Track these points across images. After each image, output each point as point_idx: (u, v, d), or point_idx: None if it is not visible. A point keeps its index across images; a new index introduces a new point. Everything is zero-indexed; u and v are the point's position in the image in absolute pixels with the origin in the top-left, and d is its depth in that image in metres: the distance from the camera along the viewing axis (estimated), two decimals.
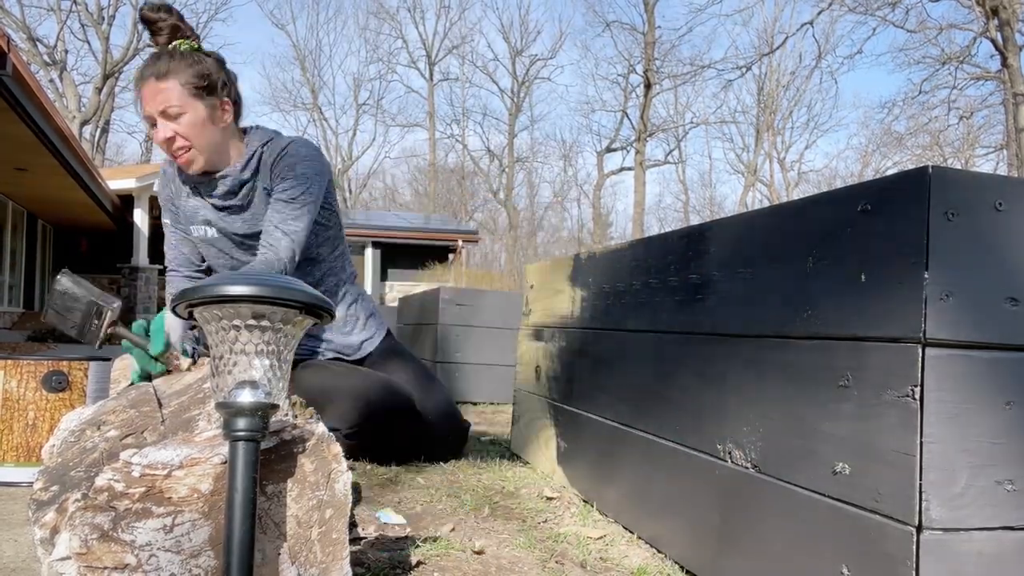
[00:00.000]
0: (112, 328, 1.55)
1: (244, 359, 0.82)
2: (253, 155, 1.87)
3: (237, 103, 1.86)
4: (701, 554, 1.14)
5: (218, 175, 1.86)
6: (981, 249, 0.82)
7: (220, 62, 1.83)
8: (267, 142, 1.89)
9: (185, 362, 1.54)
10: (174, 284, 2.03)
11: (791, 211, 1.04)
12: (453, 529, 1.38)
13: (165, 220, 2.00)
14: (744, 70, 24.98)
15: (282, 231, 1.81)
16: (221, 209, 1.91)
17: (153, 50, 1.79)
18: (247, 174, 1.87)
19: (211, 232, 1.93)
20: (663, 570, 1.20)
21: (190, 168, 1.82)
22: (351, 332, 2.09)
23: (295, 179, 1.84)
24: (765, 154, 28.20)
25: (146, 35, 1.98)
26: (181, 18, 1.80)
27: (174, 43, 1.77)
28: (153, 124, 1.75)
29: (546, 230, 31.82)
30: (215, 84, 1.78)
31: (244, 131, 1.92)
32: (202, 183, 1.88)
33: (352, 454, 1.83)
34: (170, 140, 1.75)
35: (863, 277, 0.88)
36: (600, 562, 1.23)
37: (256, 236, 1.90)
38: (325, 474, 0.94)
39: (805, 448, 0.94)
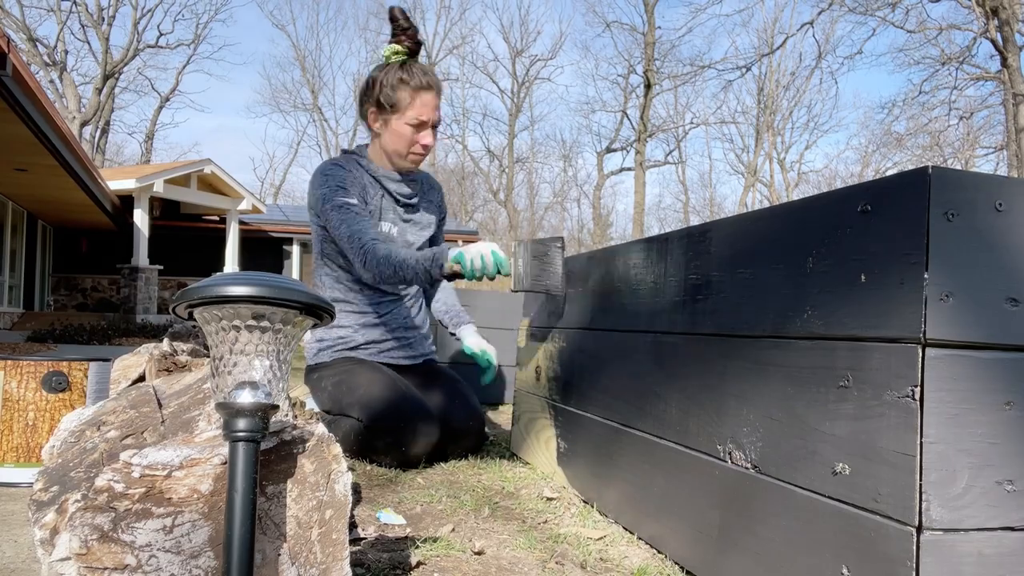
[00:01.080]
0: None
1: (244, 360, 0.82)
2: (424, 180, 2.29)
3: None
4: (701, 554, 1.14)
5: (403, 177, 2.18)
6: (981, 249, 0.82)
7: None
8: (426, 174, 2.33)
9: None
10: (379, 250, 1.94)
11: (791, 211, 1.04)
12: (453, 529, 1.38)
13: (346, 199, 2.01)
14: (744, 70, 24.99)
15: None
16: (403, 205, 2.19)
17: (391, 52, 2.05)
18: (418, 191, 2.22)
19: (394, 231, 2.16)
20: (663, 570, 1.20)
21: (415, 166, 2.16)
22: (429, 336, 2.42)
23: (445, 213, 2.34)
24: (765, 155, 28.21)
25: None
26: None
27: (427, 61, 2.06)
28: (418, 126, 2.06)
29: (546, 230, 31.82)
30: None
31: None
32: (393, 180, 2.15)
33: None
34: (427, 147, 2.11)
35: (863, 277, 0.88)
36: (600, 562, 1.23)
37: (415, 245, 2.21)
38: (325, 475, 0.94)
39: (805, 448, 0.94)
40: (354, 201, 2.01)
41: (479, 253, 1.72)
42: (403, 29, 2.04)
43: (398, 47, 2.04)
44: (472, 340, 2.28)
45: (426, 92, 2.04)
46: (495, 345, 2.33)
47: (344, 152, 2.19)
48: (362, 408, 1.90)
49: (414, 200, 2.21)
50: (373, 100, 2.07)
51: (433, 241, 2.31)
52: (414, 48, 2.06)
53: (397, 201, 2.17)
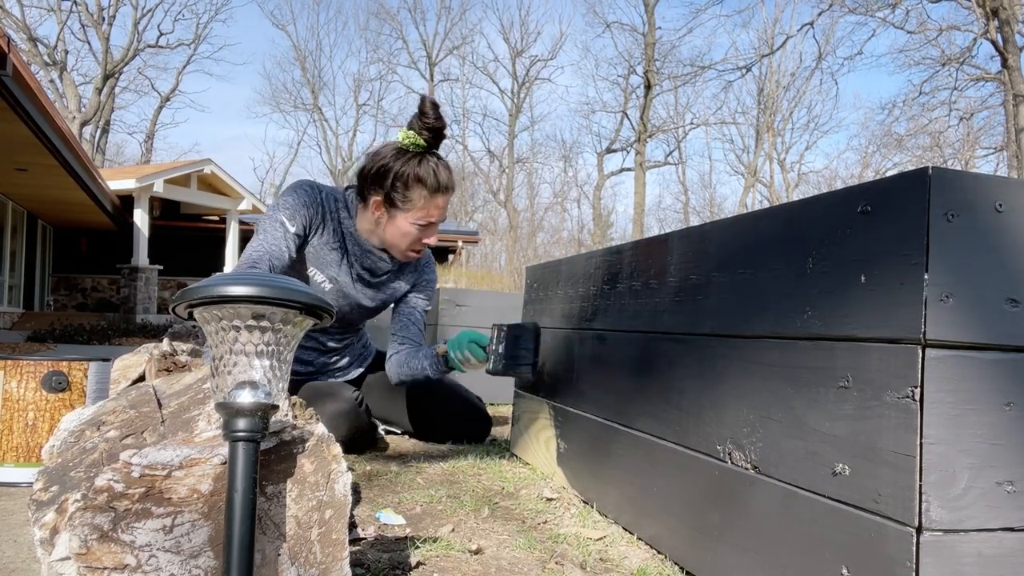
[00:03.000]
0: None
1: (244, 359, 0.82)
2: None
3: None
4: (701, 554, 1.14)
5: (390, 258, 2.07)
6: (981, 250, 0.82)
7: None
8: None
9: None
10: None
11: (791, 212, 1.04)
12: (453, 530, 1.38)
13: (287, 223, 1.89)
14: (744, 71, 24.98)
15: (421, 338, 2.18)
16: (360, 279, 2.08)
17: (415, 141, 1.88)
18: (396, 267, 2.11)
19: (328, 286, 2.03)
20: (663, 571, 1.20)
21: (406, 259, 2.05)
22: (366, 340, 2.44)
23: (433, 291, 2.24)
24: (765, 155, 28.20)
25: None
26: None
27: (442, 158, 1.93)
28: (426, 225, 1.94)
29: (546, 231, 31.81)
30: None
31: None
32: (368, 254, 2.04)
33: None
34: (430, 247, 2.03)
35: (863, 278, 0.88)
36: (600, 563, 1.23)
37: (371, 313, 2.18)
38: (325, 475, 0.94)
39: (805, 449, 0.94)
40: (293, 229, 1.88)
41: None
42: (430, 127, 1.86)
43: (419, 139, 1.87)
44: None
45: (442, 196, 1.90)
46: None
47: (330, 193, 2.00)
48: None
49: (379, 279, 2.11)
50: (382, 191, 1.89)
51: (397, 305, 2.19)
52: (435, 143, 1.90)
53: (359, 276, 2.06)
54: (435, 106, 1.87)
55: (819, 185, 27.25)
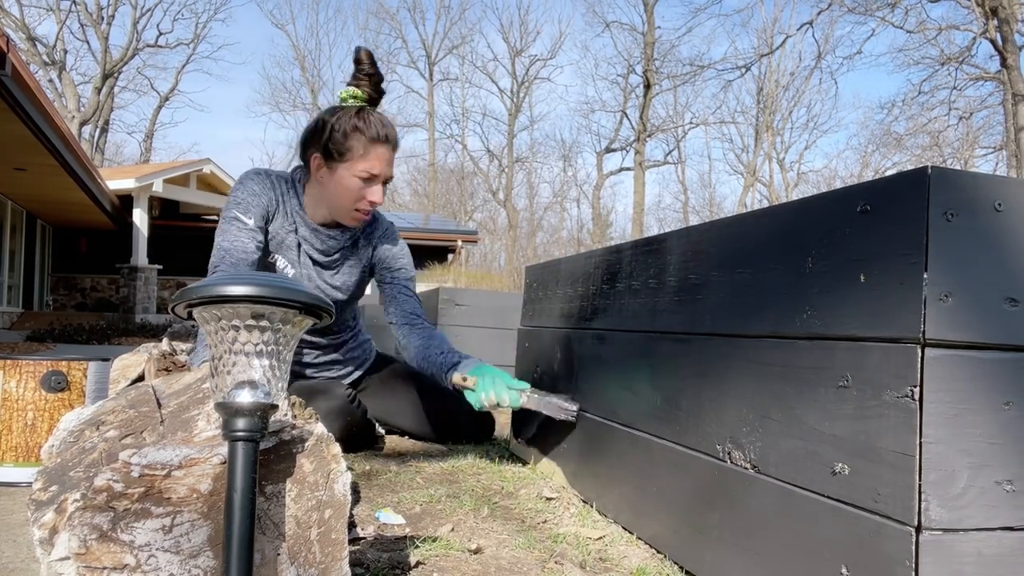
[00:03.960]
0: None
1: (243, 359, 0.82)
2: (358, 233, 2.07)
3: None
4: (700, 554, 1.14)
5: (335, 232, 2.01)
6: (981, 249, 0.82)
7: None
8: (369, 225, 2.11)
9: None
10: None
11: (791, 211, 1.04)
12: (452, 529, 1.38)
13: (242, 217, 1.89)
14: (743, 70, 24.99)
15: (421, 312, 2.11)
16: (316, 263, 2.04)
17: (352, 95, 1.88)
18: (348, 242, 2.05)
19: (291, 271, 2.01)
20: (662, 570, 1.20)
21: (356, 224, 1.98)
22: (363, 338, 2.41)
23: (401, 255, 2.14)
24: (764, 154, 28.22)
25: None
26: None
27: (385, 112, 1.93)
28: (368, 180, 1.88)
29: (546, 230, 31.82)
30: None
31: None
32: (315, 233, 1.99)
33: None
34: (376, 205, 1.93)
35: (862, 277, 0.88)
36: (599, 562, 1.23)
37: (342, 301, 2.11)
38: (324, 474, 0.94)
39: (805, 448, 0.94)
40: (250, 222, 1.87)
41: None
42: (367, 74, 1.88)
43: (357, 91, 1.87)
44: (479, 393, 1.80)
45: (382, 145, 1.86)
46: (495, 345, 2.35)
47: (279, 175, 1.99)
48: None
49: (332, 259, 2.05)
50: (320, 145, 1.87)
51: (382, 289, 2.15)
52: (375, 95, 1.90)
53: (311, 258, 2.02)
54: (370, 55, 1.88)
55: (818, 184, 27.28)
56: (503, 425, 2.60)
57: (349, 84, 1.90)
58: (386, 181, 1.92)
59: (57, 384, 1.63)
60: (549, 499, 1.61)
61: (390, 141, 1.88)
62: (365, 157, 1.85)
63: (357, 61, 1.88)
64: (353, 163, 1.86)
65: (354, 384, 2.33)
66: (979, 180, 0.83)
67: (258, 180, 1.94)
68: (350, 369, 2.34)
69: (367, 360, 2.40)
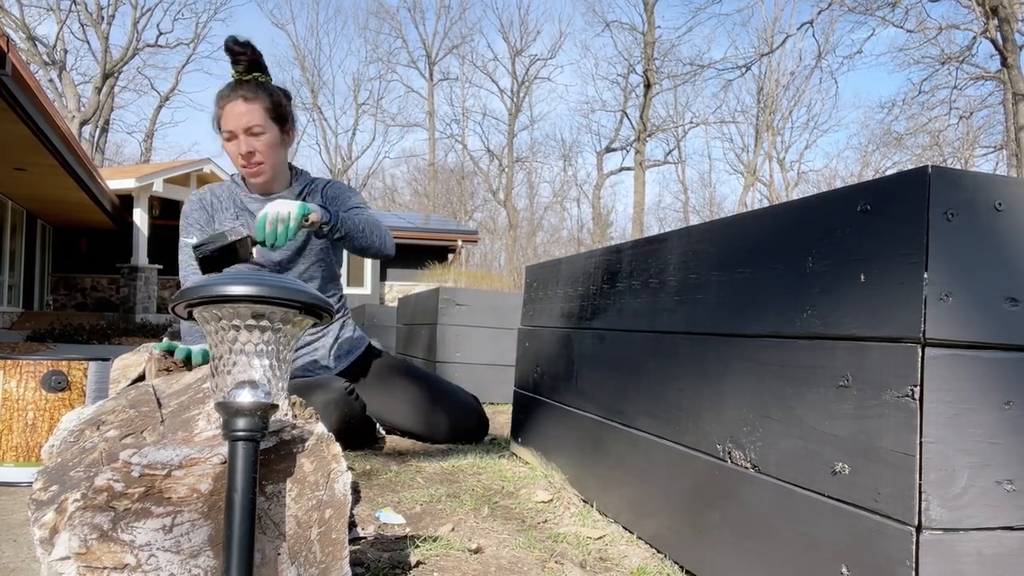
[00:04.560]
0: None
1: (243, 359, 0.82)
2: (305, 187, 2.19)
3: (294, 134, 2.19)
4: (700, 553, 1.14)
5: (274, 195, 2.15)
6: (981, 249, 0.82)
7: (288, 97, 2.15)
8: (313, 180, 2.24)
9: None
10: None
11: (791, 211, 1.04)
12: (453, 529, 1.38)
13: (186, 239, 2.14)
14: (744, 70, 24.95)
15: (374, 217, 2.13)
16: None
17: (231, 78, 2.07)
18: (294, 198, 2.14)
19: (230, 225, 2.13)
20: (662, 570, 1.20)
21: (258, 178, 2.10)
22: (350, 329, 2.39)
23: (350, 192, 2.22)
24: (765, 154, 28.21)
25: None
26: (259, 55, 2.10)
27: (254, 74, 2.07)
28: (230, 138, 2.03)
29: (546, 230, 31.82)
30: (286, 114, 2.10)
31: (291, 167, 2.24)
32: (256, 201, 2.14)
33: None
34: (250, 154, 2.04)
35: (863, 277, 0.88)
36: (600, 562, 1.23)
37: (288, 268, 2.18)
38: (324, 474, 0.94)
39: (805, 448, 0.94)
40: (194, 240, 2.06)
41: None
42: (235, 55, 2.04)
43: (232, 71, 2.06)
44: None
45: (231, 102, 2.01)
46: (495, 345, 2.34)
47: (222, 184, 2.24)
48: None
49: None
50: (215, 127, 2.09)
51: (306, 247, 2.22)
52: (243, 70, 2.05)
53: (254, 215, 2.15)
54: (234, 40, 2.03)
55: (819, 184, 27.28)
56: (503, 425, 2.60)
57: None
58: (250, 131, 2.02)
59: (57, 384, 1.63)
60: (549, 499, 1.61)
61: (230, 98, 2.01)
62: (223, 119, 2.03)
63: (226, 49, 2.04)
64: (222, 128, 2.05)
65: (350, 379, 2.32)
66: (979, 180, 0.83)
67: (190, 203, 2.21)
68: (332, 352, 2.27)
69: (356, 351, 2.34)
